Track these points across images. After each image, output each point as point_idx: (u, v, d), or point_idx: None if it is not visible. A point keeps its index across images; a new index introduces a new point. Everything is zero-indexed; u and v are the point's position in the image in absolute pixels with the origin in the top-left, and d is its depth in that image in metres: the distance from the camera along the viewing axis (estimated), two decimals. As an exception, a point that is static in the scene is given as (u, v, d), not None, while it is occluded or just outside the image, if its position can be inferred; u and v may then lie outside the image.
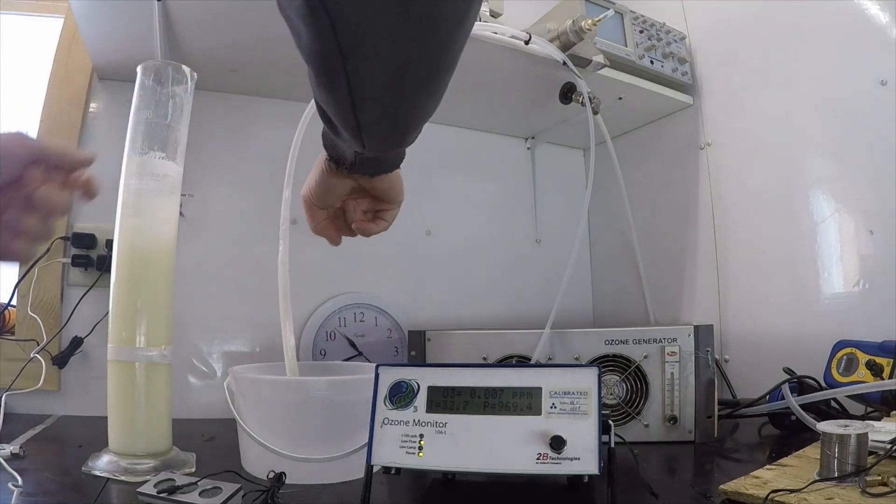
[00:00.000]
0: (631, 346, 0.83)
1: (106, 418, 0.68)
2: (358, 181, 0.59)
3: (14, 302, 1.00)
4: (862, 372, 0.78)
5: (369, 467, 0.55)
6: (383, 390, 0.58)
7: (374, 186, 0.60)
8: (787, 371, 0.87)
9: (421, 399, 0.57)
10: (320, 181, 0.59)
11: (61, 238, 1.00)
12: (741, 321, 1.13)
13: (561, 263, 1.05)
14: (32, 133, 0.49)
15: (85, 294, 0.99)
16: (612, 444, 0.56)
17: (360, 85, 0.41)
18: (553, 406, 0.55)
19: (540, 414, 0.54)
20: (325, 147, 0.56)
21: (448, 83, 0.46)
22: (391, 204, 0.63)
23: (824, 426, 0.55)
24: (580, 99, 1.05)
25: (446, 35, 0.41)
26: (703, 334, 0.83)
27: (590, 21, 0.98)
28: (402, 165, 0.59)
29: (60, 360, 0.96)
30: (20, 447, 0.71)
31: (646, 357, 0.83)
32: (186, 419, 0.86)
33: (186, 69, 0.73)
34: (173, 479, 0.56)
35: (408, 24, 0.39)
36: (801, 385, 0.82)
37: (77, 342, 0.97)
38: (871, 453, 0.54)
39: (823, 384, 0.82)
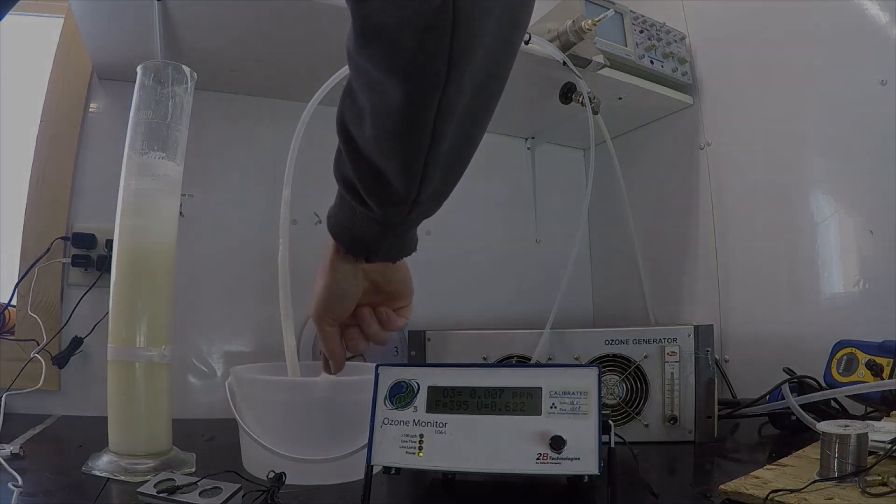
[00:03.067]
0: (631, 346, 0.83)
1: (106, 418, 0.68)
2: (374, 278, 0.54)
3: (14, 302, 1.00)
4: (862, 372, 0.78)
5: (369, 467, 0.55)
6: (383, 390, 0.58)
7: (391, 280, 0.55)
8: (787, 371, 0.87)
9: (421, 399, 0.57)
10: (331, 287, 0.53)
11: (61, 238, 1.01)
12: (741, 321, 1.13)
13: (561, 263, 1.05)
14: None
15: (85, 294, 0.99)
16: (612, 444, 0.56)
17: (450, 103, 0.40)
18: (553, 406, 0.55)
19: (540, 414, 0.54)
20: (343, 241, 0.51)
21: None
22: (406, 298, 0.58)
23: (824, 426, 0.55)
24: (580, 99, 1.05)
25: (516, 45, 0.43)
26: (703, 334, 0.83)
27: (590, 21, 0.98)
28: None
29: (60, 360, 0.96)
30: (20, 447, 0.71)
31: (646, 357, 0.83)
32: (186, 419, 0.86)
33: (186, 69, 0.73)
34: (173, 479, 0.56)
35: (504, 32, 0.40)
36: (801, 385, 0.82)
37: (77, 342, 0.97)
38: (871, 453, 0.54)
39: (823, 384, 0.82)
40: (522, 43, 0.46)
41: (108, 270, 0.76)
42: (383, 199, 0.46)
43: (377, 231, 0.49)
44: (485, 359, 0.87)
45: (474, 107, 0.43)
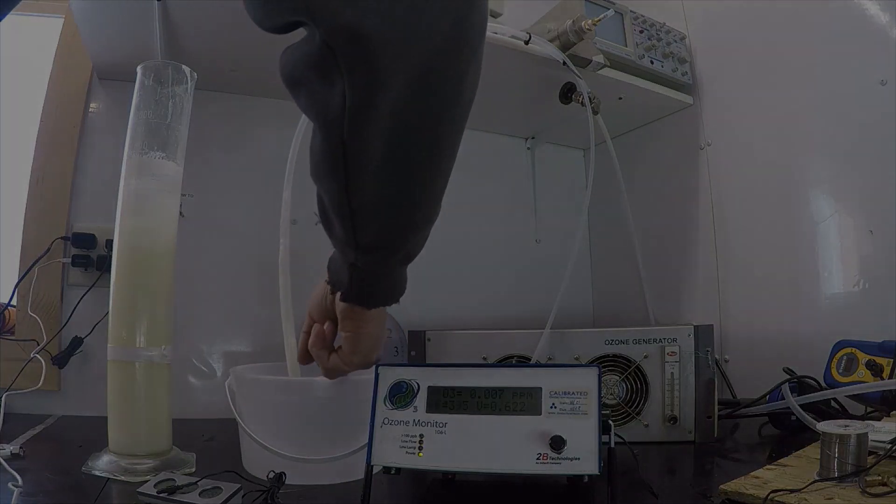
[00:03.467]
0: (631, 346, 0.83)
1: (106, 418, 0.68)
2: (339, 320, 0.56)
3: (14, 302, 1.00)
4: (862, 372, 0.78)
5: (369, 467, 0.55)
6: (383, 390, 0.58)
7: (344, 335, 0.57)
8: (787, 371, 0.87)
9: (421, 399, 0.57)
10: (318, 299, 0.58)
11: (61, 238, 1.01)
12: (741, 321, 1.13)
13: (561, 263, 1.05)
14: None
15: (85, 294, 0.99)
16: (612, 444, 0.55)
17: (357, 152, 0.41)
18: (553, 406, 0.55)
19: (540, 414, 0.54)
20: (328, 270, 0.55)
21: (448, 174, 0.46)
22: (349, 361, 0.58)
23: (824, 426, 0.55)
24: (580, 99, 1.05)
25: (443, 107, 0.42)
26: (703, 334, 0.82)
27: (590, 21, 0.98)
28: None
29: (60, 360, 0.96)
30: (20, 447, 0.71)
31: (646, 357, 0.83)
32: (186, 419, 0.86)
33: (186, 69, 0.73)
34: (173, 479, 0.56)
35: (420, 91, 0.40)
36: (800, 385, 0.82)
37: (77, 342, 0.97)
38: (871, 453, 0.54)
39: (823, 384, 0.82)
40: (469, 93, 0.44)
41: (108, 270, 0.76)
42: (333, 234, 0.49)
43: (345, 268, 0.51)
44: (485, 359, 0.87)
45: (396, 162, 0.43)
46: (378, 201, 0.45)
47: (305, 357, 0.62)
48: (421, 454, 0.54)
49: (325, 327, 0.59)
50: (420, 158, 0.44)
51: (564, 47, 1.01)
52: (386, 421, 0.56)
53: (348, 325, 0.56)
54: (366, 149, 0.41)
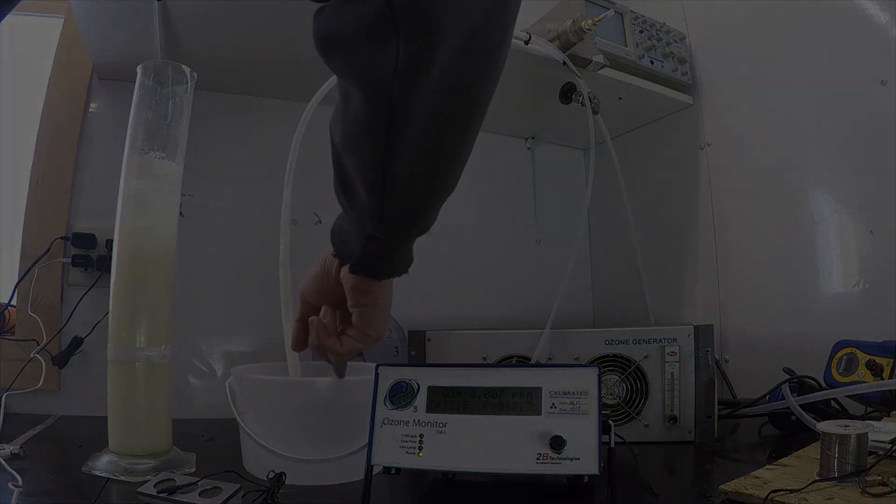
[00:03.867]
0: (631, 346, 0.83)
1: (106, 418, 0.68)
2: (348, 296, 0.55)
3: (14, 302, 1.00)
4: (862, 372, 0.78)
5: (369, 467, 0.55)
6: (383, 390, 0.58)
7: (357, 310, 0.56)
8: (787, 371, 0.87)
9: (421, 399, 0.57)
10: (314, 271, 0.57)
11: (61, 238, 1.01)
12: (741, 321, 1.13)
13: (561, 263, 1.05)
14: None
15: (85, 294, 0.99)
16: (612, 444, 0.55)
17: (402, 117, 0.41)
18: (553, 406, 0.55)
19: (540, 414, 0.54)
20: (333, 242, 0.55)
21: (472, 147, 0.47)
22: (360, 335, 0.57)
23: (824, 426, 0.55)
24: (580, 99, 1.05)
25: (487, 71, 0.42)
26: (703, 334, 0.82)
27: (590, 21, 0.98)
28: None
29: (60, 360, 0.96)
30: (20, 447, 0.71)
31: (646, 357, 0.83)
32: (186, 419, 0.86)
33: (186, 69, 0.73)
34: (173, 479, 0.56)
35: (465, 55, 0.40)
36: (800, 385, 0.82)
37: (77, 342, 0.97)
38: (871, 453, 0.54)
39: (823, 384, 0.82)
40: (502, 63, 0.44)
41: (108, 270, 0.76)
42: (353, 204, 0.48)
43: (359, 239, 0.50)
44: (485, 359, 0.87)
45: (435, 129, 0.43)
46: (414, 170, 0.45)
47: (300, 344, 0.61)
48: (421, 454, 0.54)
49: (324, 315, 0.57)
50: (455, 127, 0.44)
51: (564, 47, 1.01)
52: (386, 421, 0.56)
53: (363, 300, 0.55)
54: (411, 113, 0.41)
